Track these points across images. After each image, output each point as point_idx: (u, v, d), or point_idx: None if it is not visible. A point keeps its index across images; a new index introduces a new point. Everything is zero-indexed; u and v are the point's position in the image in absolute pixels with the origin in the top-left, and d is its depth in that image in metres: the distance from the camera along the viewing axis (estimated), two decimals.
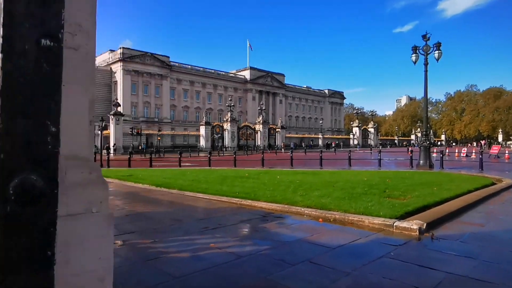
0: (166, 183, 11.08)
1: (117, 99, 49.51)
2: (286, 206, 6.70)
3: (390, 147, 77.61)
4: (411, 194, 7.88)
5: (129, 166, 21.64)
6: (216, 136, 53.61)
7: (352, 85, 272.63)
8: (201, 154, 44.72)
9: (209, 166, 20.85)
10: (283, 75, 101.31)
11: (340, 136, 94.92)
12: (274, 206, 6.78)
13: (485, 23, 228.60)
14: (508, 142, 77.29)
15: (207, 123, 53.21)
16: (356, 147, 64.91)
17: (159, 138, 47.90)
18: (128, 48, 72.30)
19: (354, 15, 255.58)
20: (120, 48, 71.12)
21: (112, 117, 44.90)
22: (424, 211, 6.07)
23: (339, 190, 8.68)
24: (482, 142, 68.83)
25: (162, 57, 75.77)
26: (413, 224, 4.83)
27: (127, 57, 70.14)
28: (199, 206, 7.26)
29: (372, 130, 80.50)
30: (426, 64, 17.47)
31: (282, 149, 49.03)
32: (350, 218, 5.50)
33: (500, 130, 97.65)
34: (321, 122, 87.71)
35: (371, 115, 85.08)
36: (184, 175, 13.71)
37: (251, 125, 61.47)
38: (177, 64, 79.76)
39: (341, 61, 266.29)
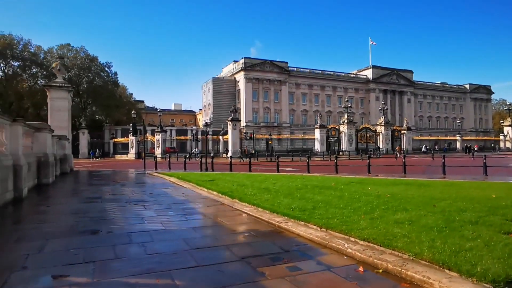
0: (234, 190, 10.02)
1: (234, 105, 51.99)
2: (329, 235, 4.65)
3: None
4: None
5: (230, 170, 21.65)
6: (332, 140, 50.94)
7: (503, 77, 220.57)
8: (316, 158, 42.97)
9: (308, 172, 19.09)
10: (411, 72, 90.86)
11: (486, 138, 79.46)
12: (313, 235, 4.79)
13: None
14: None
15: (321, 126, 51.00)
16: None
17: (270, 142, 48.26)
18: (249, 58, 75.75)
19: None
20: (242, 58, 75.20)
21: (230, 122, 47.27)
22: None
23: (437, 213, 5.98)
24: None
25: (281, 63, 77.08)
26: None
27: (248, 66, 73.69)
28: (224, 225, 5.80)
29: None
30: None
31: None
32: (410, 272, 3.20)
33: None
34: (458, 122, 74.84)
35: None
36: (263, 182, 12.40)
37: (371, 127, 56.44)
38: (295, 69, 79.98)
39: (487, 50, 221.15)
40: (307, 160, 20.22)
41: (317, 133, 51.14)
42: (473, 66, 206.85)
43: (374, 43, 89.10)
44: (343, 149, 49.88)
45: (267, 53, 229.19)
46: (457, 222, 5.22)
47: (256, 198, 8.48)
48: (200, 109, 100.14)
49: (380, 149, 51.79)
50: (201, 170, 23.46)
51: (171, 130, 66.88)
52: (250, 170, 21.10)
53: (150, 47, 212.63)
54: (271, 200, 8.01)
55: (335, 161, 19.10)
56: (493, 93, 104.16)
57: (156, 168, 24.49)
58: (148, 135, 59.86)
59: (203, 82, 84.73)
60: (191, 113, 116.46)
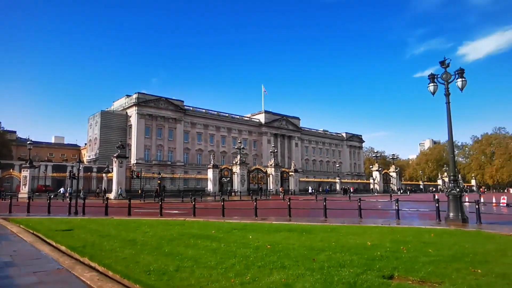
0: (89, 244, 8.04)
1: (121, 141, 47.71)
2: None
3: (409, 193, 68.81)
4: (438, 282, 4.42)
5: (106, 213, 18.83)
6: (225, 180, 50.53)
7: (372, 129, 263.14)
8: (208, 199, 41.59)
9: (194, 215, 17.64)
10: (298, 119, 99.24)
11: (359, 181, 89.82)
12: None
13: (509, 65, 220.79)
14: None
15: (214, 166, 50.36)
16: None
17: (159, 181, 45.27)
18: (143, 93, 72.41)
19: (373, 60, 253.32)
20: (136, 93, 71.40)
21: (115, 159, 42.85)
22: None
23: (316, 270, 5.31)
24: None
25: (176, 101, 75.59)
26: None
27: (142, 102, 70.16)
28: None
29: (393, 174, 75.21)
30: (447, 95, 14.20)
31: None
32: None
33: None
34: (338, 166, 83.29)
35: (392, 158, 79.79)
36: (134, 231, 10.55)
37: (262, 169, 58.21)
38: (191, 108, 79.32)
39: (361, 105, 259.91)
40: (193, 203, 18.79)
41: (210, 173, 50.22)
42: (349, 117, 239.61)
43: (266, 92, 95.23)
44: (236, 190, 49.81)
45: (163, 89, 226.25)
46: (335, 284, 4.56)
47: (112, 255, 6.76)
48: (86, 144, 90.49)
49: (270, 190, 53.33)
50: (69, 214, 19.97)
51: (46, 165, 57.58)
52: (129, 214, 18.65)
53: (32, 74, 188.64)
54: (130, 258, 6.42)
55: (222, 203, 18.14)
56: (364, 141, 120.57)
57: (10, 212, 20.01)
58: (15, 172, 50.54)
59: (90, 115, 77.19)
60: (75, 148, 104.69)
